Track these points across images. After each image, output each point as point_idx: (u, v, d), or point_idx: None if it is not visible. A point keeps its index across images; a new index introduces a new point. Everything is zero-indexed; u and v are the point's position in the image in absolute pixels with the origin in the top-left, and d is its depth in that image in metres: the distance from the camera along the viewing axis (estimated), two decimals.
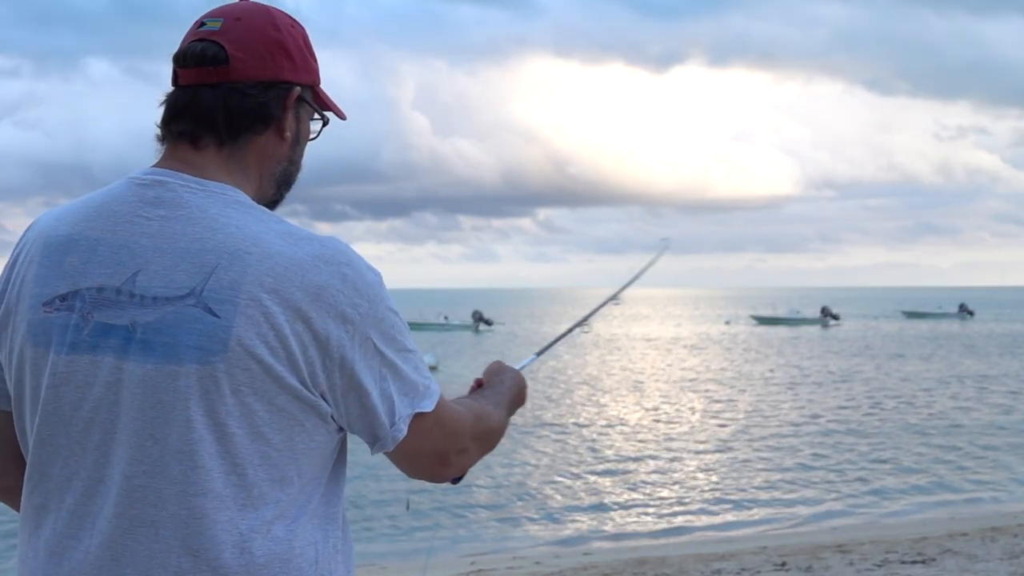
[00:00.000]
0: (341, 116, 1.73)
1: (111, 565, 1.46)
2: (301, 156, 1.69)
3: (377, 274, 1.54)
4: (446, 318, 68.42)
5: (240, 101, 1.56)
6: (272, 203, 1.67)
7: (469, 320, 65.62)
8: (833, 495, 14.28)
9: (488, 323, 65.88)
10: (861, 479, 15.33)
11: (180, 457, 1.44)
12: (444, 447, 1.63)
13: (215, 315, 1.43)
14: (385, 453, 1.60)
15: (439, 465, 1.66)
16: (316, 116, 1.69)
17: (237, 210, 1.51)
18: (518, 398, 1.93)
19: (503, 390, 1.88)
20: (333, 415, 1.52)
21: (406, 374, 1.54)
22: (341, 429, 1.56)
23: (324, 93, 1.70)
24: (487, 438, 1.75)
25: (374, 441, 1.56)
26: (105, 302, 1.48)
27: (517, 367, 2.03)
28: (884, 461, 16.72)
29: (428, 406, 1.57)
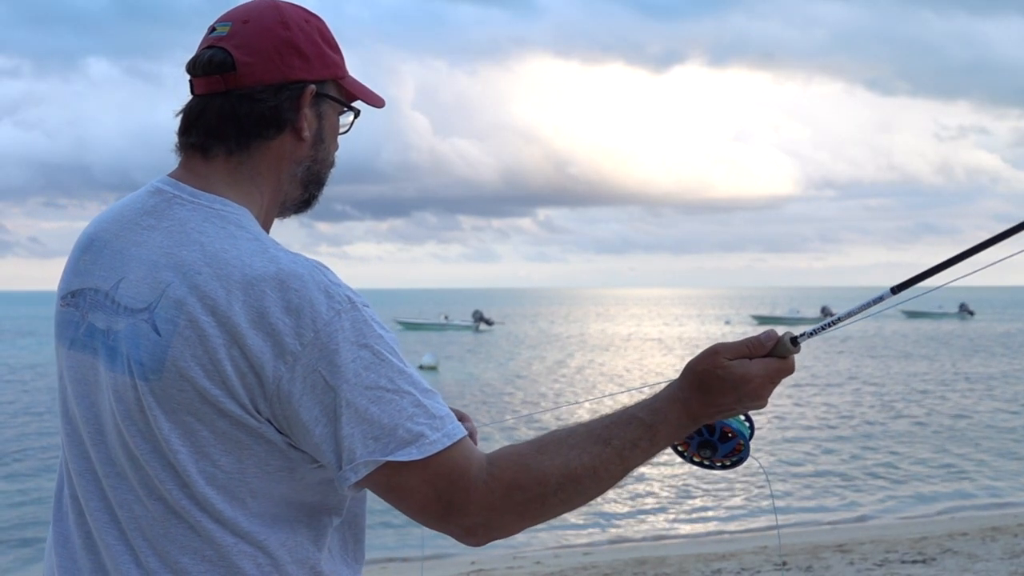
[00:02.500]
0: (375, 104, 1.67)
1: (99, 554, 1.50)
2: (329, 153, 1.63)
3: (338, 303, 1.40)
4: (446, 318, 68.41)
5: (250, 108, 1.52)
6: (303, 203, 1.65)
7: (469, 320, 65.57)
8: (840, 497, 14.25)
9: (489, 323, 65.83)
10: (871, 480, 15.31)
11: (136, 465, 1.46)
12: (439, 511, 1.42)
13: (158, 333, 1.42)
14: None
15: (440, 527, 1.44)
16: (344, 109, 1.64)
17: (213, 225, 1.48)
18: (702, 412, 1.50)
19: (643, 414, 1.50)
20: (292, 443, 1.43)
21: (373, 416, 1.38)
22: (309, 458, 1.46)
23: (354, 83, 1.64)
24: (536, 506, 1.43)
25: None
26: (97, 305, 1.52)
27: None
28: (896, 462, 16.68)
29: (410, 455, 1.38)
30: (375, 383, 1.39)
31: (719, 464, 1.63)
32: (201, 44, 1.58)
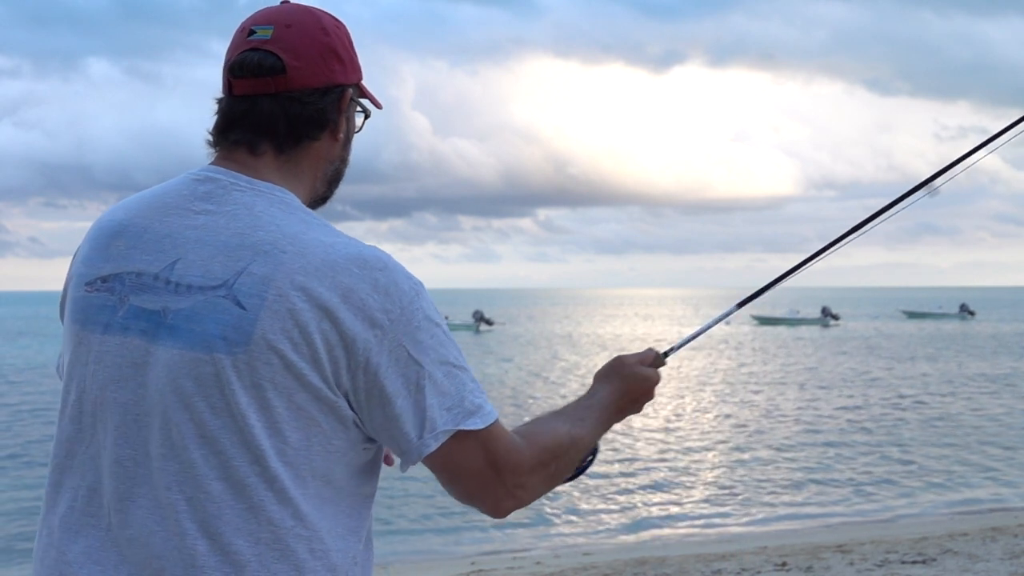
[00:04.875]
0: (378, 106, 1.76)
1: (127, 545, 1.48)
2: (350, 152, 1.73)
3: (415, 284, 1.53)
4: (447, 318, 67.23)
5: (300, 110, 1.60)
6: (322, 199, 1.72)
7: (470, 320, 65.54)
8: (842, 497, 14.24)
9: (489, 323, 65.83)
10: (873, 480, 15.29)
11: (201, 442, 1.47)
12: (491, 476, 1.55)
13: (242, 307, 1.46)
14: (434, 473, 1.56)
15: (485, 495, 1.57)
16: (359, 109, 1.72)
17: (282, 210, 1.54)
18: (623, 404, 1.81)
19: (594, 402, 1.77)
20: (356, 421, 1.51)
21: (447, 388, 1.51)
22: (368, 441, 1.55)
23: (363, 85, 1.73)
24: (553, 468, 1.64)
25: (400, 454, 1.54)
26: (142, 287, 1.53)
27: (686, 336, 1.92)
28: (899, 462, 16.63)
29: (475, 424, 1.52)
30: (446, 358, 1.53)
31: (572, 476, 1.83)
32: (238, 46, 1.62)
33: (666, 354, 1.93)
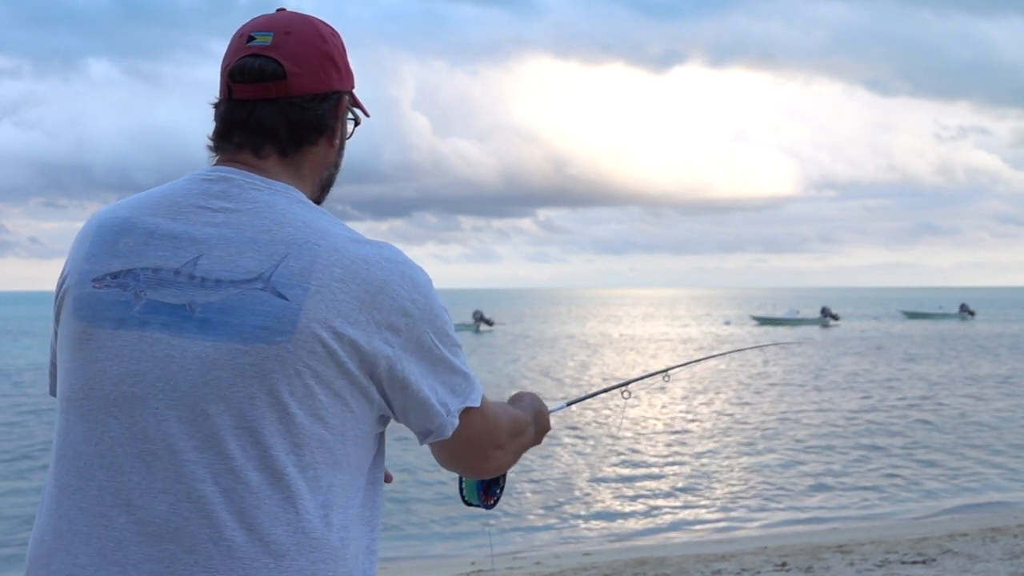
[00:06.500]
0: (367, 114, 1.80)
1: (151, 541, 1.46)
2: (342, 158, 1.76)
3: (427, 274, 1.62)
4: None
5: (300, 115, 1.64)
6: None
7: (470, 320, 65.44)
8: (844, 497, 14.22)
9: (489, 323, 65.76)
10: (896, 483, 15.27)
11: (237, 433, 1.47)
12: (485, 441, 1.70)
13: (284, 298, 1.49)
14: (439, 446, 1.66)
15: (478, 458, 1.72)
16: (350, 116, 1.75)
17: (303, 208, 1.58)
18: (540, 418, 1.99)
19: (525, 404, 1.95)
20: (379, 404, 1.57)
21: (457, 367, 1.62)
22: (380, 424, 1.61)
23: (355, 93, 1.77)
24: (520, 439, 1.83)
25: (426, 433, 1.63)
26: (161, 282, 1.53)
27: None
28: (905, 462, 16.58)
29: (477, 400, 1.65)
30: (455, 341, 1.64)
31: (492, 502, 2.05)
32: (238, 52, 1.64)
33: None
